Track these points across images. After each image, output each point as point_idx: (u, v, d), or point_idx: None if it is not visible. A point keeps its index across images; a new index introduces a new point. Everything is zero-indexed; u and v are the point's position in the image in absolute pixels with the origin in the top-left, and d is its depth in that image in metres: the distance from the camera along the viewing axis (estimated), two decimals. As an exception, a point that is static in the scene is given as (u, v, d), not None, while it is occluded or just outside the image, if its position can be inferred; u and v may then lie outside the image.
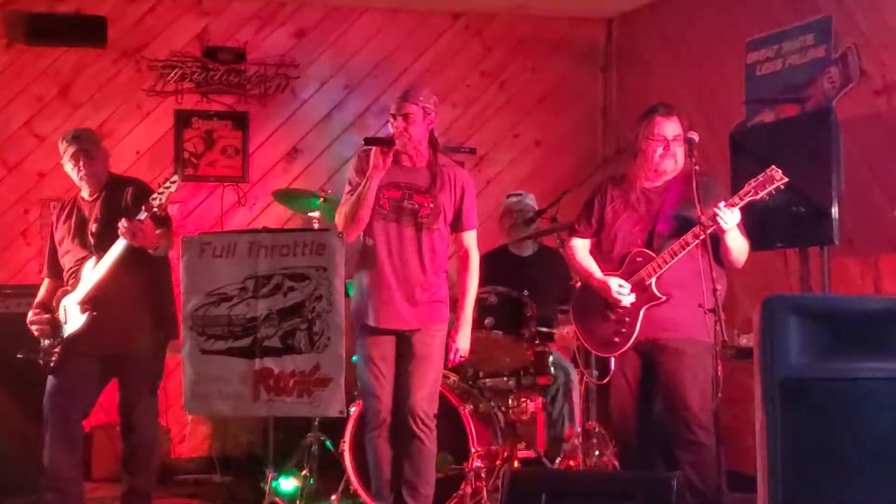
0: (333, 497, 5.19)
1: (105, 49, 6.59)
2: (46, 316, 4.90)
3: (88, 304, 4.76)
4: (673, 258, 4.35)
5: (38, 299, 5.01)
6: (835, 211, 4.86)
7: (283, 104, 6.88)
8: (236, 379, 4.76)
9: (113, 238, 4.67)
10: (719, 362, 4.12)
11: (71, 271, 4.90)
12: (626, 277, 4.46)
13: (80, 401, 4.91)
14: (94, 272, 4.76)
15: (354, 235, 4.56)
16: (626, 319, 4.45)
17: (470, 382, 5.36)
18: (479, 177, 6.73)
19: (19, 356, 4.95)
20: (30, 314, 4.94)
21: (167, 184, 4.65)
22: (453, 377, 5.24)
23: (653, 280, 4.39)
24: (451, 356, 4.62)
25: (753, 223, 4.50)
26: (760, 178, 4.23)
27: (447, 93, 6.89)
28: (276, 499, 5.09)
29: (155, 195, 4.63)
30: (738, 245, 4.38)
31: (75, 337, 4.80)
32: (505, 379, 5.41)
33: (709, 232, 4.20)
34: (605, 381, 4.75)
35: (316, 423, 5.48)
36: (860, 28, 5.30)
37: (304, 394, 4.69)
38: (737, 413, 4.80)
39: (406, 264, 4.48)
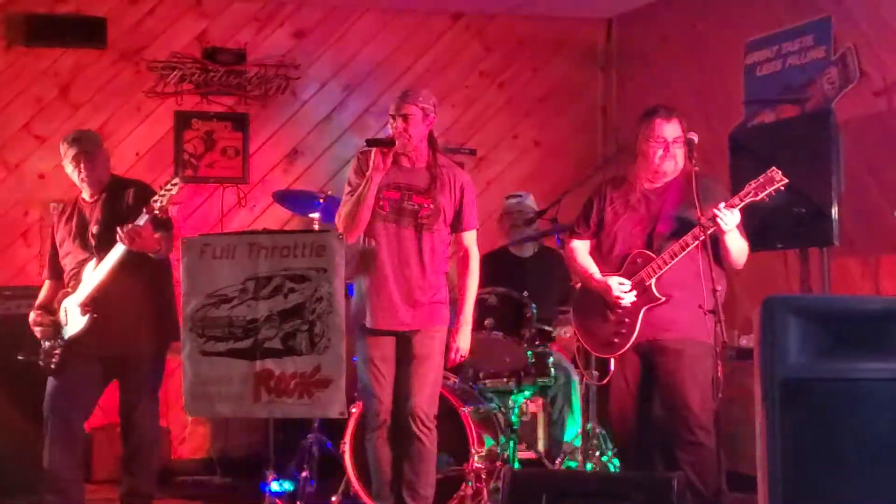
0: (334, 498, 5.18)
1: (105, 50, 6.59)
2: (49, 317, 4.90)
3: (89, 305, 4.76)
4: (673, 259, 4.35)
5: (39, 301, 5.01)
6: (835, 212, 4.87)
7: (284, 105, 6.88)
8: (237, 380, 4.75)
9: (114, 240, 4.68)
10: (720, 363, 4.12)
11: (72, 273, 4.91)
12: (626, 278, 4.46)
13: (80, 402, 4.91)
14: (94, 274, 4.77)
15: (355, 236, 4.56)
16: (626, 320, 4.45)
17: (470, 383, 5.37)
18: (479, 177, 6.73)
19: (20, 358, 4.95)
20: (32, 315, 4.94)
21: (168, 186, 4.66)
22: (453, 378, 5.25)
23: (653, 281, 4.40)
24: (452, 356, 4.62)
25: (753, 224, 4.50)
26: (761, 179, 4.23)
27: (447, 93, 6.89)
28: (277, 500, 5.09)
29: (156, 197, 4.64)
30: (737, 246, 4.38)
31: (76, 338, 4.80)
32: (505, 380, 5.41)
33: (709, 233, 4.20)
34: (604, 382, 4.75)
35: (316, 425, 5.49)
36: (860, 28, 5.31)
37: (304, 395, 4.69)
38: (737, 413, 4.80)
39: (406, 265, 4.48)
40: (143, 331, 4.88)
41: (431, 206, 4.49)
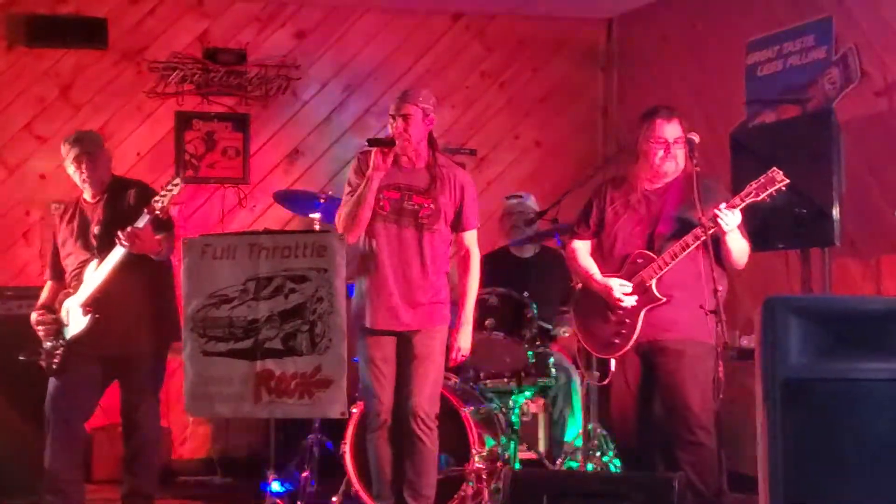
0: (334, 498, 5.18)
1: (106, 51, 6.59)
2: (51, 317, 4.90)
3: (90, 306, 4.77)
4: (674, 259, 4.35)
5: (40, 301, 5.01)
6: (836, 212, 4.86)
7: (284, 105, 6.88)
8: (237, 380, 4.76)
9: (115, 240, 4.68)
10: (721, 363, 4.12)
11: (73, 273, 4.91)
12: (627, 279, 4.46)
13: (81, 403, 4.92)
14: (96, 274, 4.77)
15: (355, 237, 4.56)
16: (627, 321, 4.45)
17: (471, 383, 5.37)
18: (480, 178, 6.72)
19: (21, 358, 4.95)
20: (35, 315, 4.94)
21: (169, 186, 4.67)
22: (454, 378, 5.25)
23: (653, 281, 4.39)
24: (453, 356, 4.62)
25: (754, 224, 4.50)
26: (762, 179, 4.23)
27: (447, 94, 6.89)
28: (277, 500, 5.09)
29: (157, 198, 4.65)
30: (738, 246, 4.38)
31: (77, 339, 4.80)
32: (506, 380, 5.41)
33: (709, 233, 4.20)
34: (605, 383, 4.75)
35: (317, 425, 5.49)
36: (861, 28, 5.30)
37: (305, 395, 4.69)
38: (738, 414, 4.80)
39: (407, 266, 4.48)
40: (144, 331, 4.89)
41: (432, 206, 4.49)
